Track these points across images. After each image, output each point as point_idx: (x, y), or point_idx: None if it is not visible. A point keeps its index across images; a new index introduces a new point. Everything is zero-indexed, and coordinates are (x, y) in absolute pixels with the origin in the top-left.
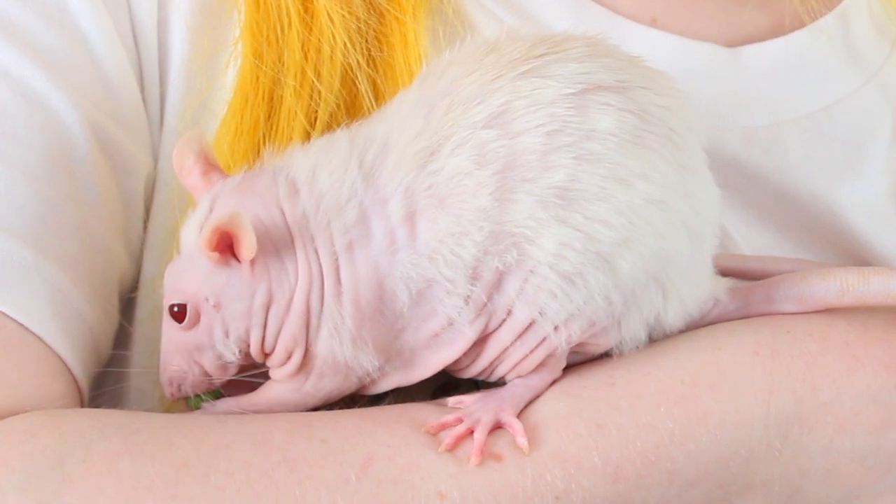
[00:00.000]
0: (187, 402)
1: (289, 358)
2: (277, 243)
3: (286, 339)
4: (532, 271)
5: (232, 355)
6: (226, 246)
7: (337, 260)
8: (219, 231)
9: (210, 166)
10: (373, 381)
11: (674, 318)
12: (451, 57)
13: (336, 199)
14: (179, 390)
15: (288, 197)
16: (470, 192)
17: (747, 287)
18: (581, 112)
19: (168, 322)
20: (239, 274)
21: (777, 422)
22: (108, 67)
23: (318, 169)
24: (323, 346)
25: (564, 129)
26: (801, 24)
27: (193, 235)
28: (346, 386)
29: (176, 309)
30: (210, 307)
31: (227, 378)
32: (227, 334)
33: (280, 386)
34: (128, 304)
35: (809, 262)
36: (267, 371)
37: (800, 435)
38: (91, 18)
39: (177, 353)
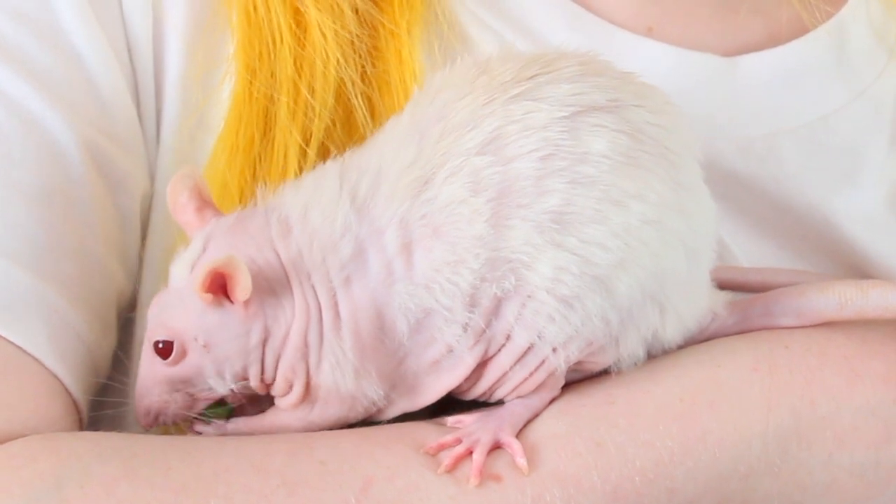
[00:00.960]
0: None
1: (290, 388)
2: (272, 282)
3: (285, 371)
4: (530, 296)
5: (225, 390)
6: (218, 287)
7: (335, 295)
8: (213, 273)
9: (204, 203)
10: (380, 410)
11: (672, 334)
12: (443, 80)
13: (330, 235)
14: (156, 420)
15: (281, 237)
16: (465, 219)
17: (746, 301)
18: (574, 135)
19: (149, 355)
20: (232, 314)
21: (776, 438)
22: (102, 85)
23: (309, 206)
24: (326, 379)
25: (558, 154)
26: (799, 34)
27: (184, 273)
28: (353, 415)
29: (161, 345)
30: (199, 346)
31: (214, 400)
32: (220, 374)
33: (285, 415)
34: (126, 322)
35: (808, 273)
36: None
37: (798, 450)
38: (85, 36)
39: (156, 385)
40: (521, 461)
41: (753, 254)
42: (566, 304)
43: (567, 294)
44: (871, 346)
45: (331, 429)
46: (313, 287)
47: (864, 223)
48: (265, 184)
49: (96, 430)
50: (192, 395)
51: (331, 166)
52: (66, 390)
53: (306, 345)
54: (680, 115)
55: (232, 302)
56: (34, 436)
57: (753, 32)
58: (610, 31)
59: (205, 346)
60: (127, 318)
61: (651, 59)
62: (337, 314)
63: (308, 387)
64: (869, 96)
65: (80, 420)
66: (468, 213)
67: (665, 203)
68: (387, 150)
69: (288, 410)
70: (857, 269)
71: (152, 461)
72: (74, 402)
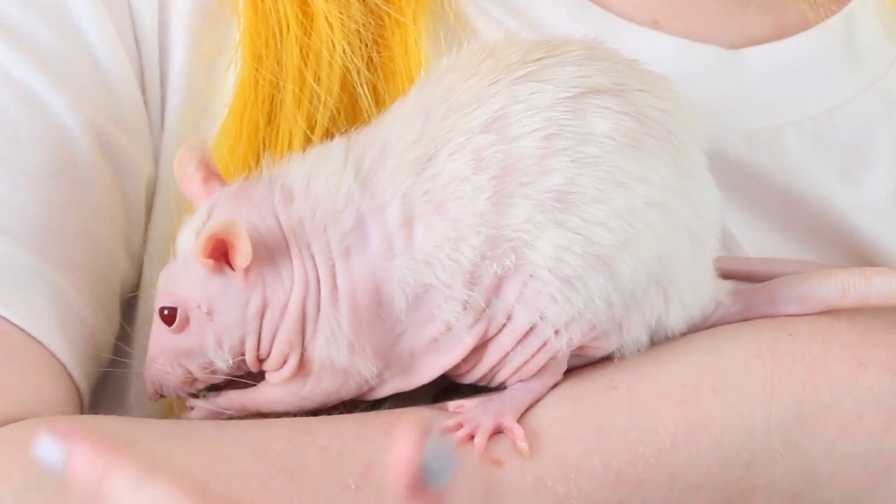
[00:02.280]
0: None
1: (284, 362)
2: (273, 251)
3: (281, 343)
4: (531, 275)
5: (224, 364)
6: (220, 254)
7: (333, 266)
8: (214, 239)
9: (211, 174)
10: (371, 388)
11: (675, 320)
12: (449, 63)
13: (332, 206)
14: (160, 392)
15: (283, 204)
16: (467, 197)
17: (749, 289)
18: (578, 116)
19: (157, 324)
20: (233, 282)
21: (779, 425)
22: (109, 70)
23: (313, 176)
24: (320, 351)
25: (561, 133)
26: (806, 26)
27: (189, 241)
28: (345, 391)
29: (166, 312)
30: (202, 314)
31: (212, 382)
32: (220, 344)
33: (277, 389)
34: (128, 306)
35: (814, 263)
36: (256, 376)
37: (801, 438)
38: (92, 21)
39: (162, 353)
40: (523, 445)
41: (760, 244)
42: (568, 283)
43: (569, 274)
44: (875, 334)
45: (322, 404)
46: (313, 257)
47: (873, 214)
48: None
49: (96, 413)
50: (191, 372)
51: (337, 142)
52: (69, 374)
53: (303, 316)
54: (684, 102)
55: (233, 269)
56: (34, 419)
57: (760, 26)
58: (616, 24)
59: (207, 314)
60: (129, 303)
61: (656, 51)
62: (335, 286)
63: (302, 360)
64: (877, 89)
65: (82, 404)
66: (470, 191)
67: (669, 187)
68: (392, 128)
69: (280, 385)
70: (866, 259)
71: (153, 447)
72: (76, 386)
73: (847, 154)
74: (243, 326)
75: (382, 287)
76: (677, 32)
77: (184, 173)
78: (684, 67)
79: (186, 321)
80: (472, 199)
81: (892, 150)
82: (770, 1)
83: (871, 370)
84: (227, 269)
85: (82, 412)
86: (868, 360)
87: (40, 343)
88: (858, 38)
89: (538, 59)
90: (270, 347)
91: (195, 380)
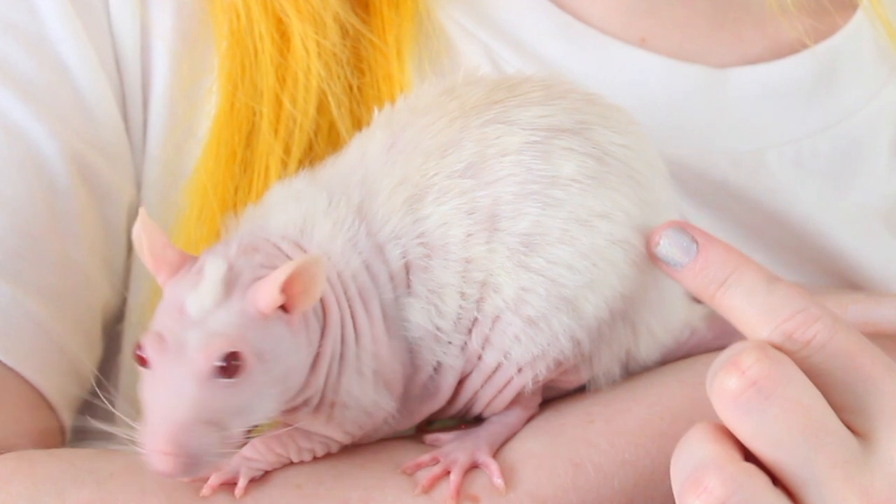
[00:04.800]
0: None
1: (309, 403)
2: None
3: (314, 387)
4: (497, 317)
5: (271, 413)
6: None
7: (351, 306)
8: (293, 276)
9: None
10: (377, 427)
11: (646, 351)
12: (411, 103)
13: (341, 248)
14: (193, 467)
15: (294, 252)
16: (458, 242)
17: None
18: (546, 159)
19: (198, 383)
20: (284, 326)
21: None
22: (89, 96)
23: (308, 220)
24: (346, 392)
25: (531, 178)
26: (796, 49)
27: (209, 299)
28: (367, 428)
29: (223, 363)
30: (261, 362)
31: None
32: (274, 393)
33: (302, 431)
34: (113, 335)
35: (802, 285)
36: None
37: None
38: (72, 47)
39: (203, 415)
40: (499, 481)
41: None
42: (531, 324)
43: (532, 315)
44: None
45: (346, 444)
46: (337, 300)
47: (858, 236)
48: (246, 195)
49: (83, 441)
50: (229, 435)
51: (302, 182)
52: (49, 404)
53: (332, 358)
54: (645, 135)
55: (288, 312)
56: (9, 454)
57: (750, 46)
58: (602, 42)
59: (265, 362)
60: (114, 331)
61: (641, 70)
62: (355, 326)
63: (333, 404)
64: (864, 115)
65: (63, 433)
66: (461, 236)
67: (633, 223)
68: (370, 166)
69: (307, 426)
70: (851, 282)
71: (127, 484)
72: (57, 416)
73: (830, 176)
74: (297, 372)
75: (390, 326)
76: (664, 51)
77: (153, 249)
78: (670, 87)
79: (244, 371)
80: (463, 244)
81: (881, 171)
82: (759, 22)
83: None
84: (279, 315)
85: (63, 441)
86: None
87: (18, 374)
88: (847, 63)
89: (501, 101)
90: (304, 392)
91: (230, 441)
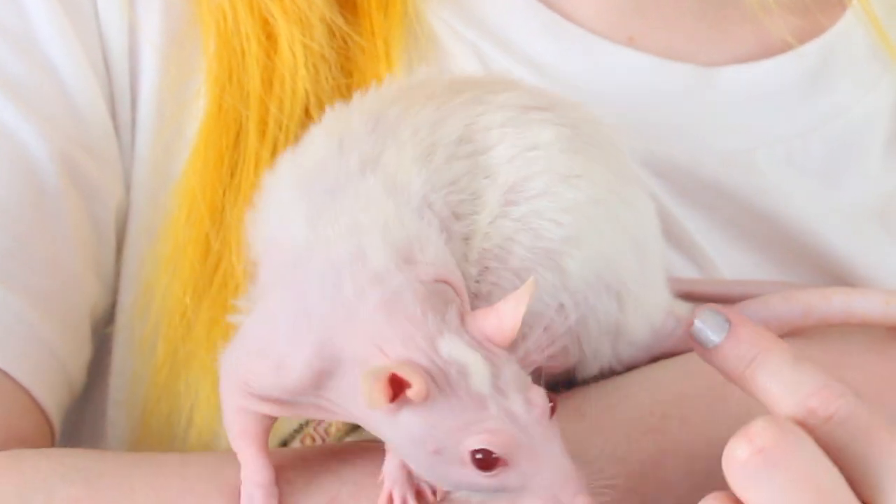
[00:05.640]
0: None
1: None
2: None
3: None
4: (486, 268)
5: None
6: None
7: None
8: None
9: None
10: None
11: (635, 324)
12: (364, 105)
13: (448, 256)
14: None
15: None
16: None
17: None
18: (525, 129)
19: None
20: None
21: None
22: (77, 97)
23: (416, 240)
24: None
25: (515, 143)
26: (785, 48)
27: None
28: None
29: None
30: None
31: None
32: None
33: None
34: (103, 336)
35: (793, 285)
36: None
37: None
38: (61, 48)
39: None
40: None
41: (736, 265)
42: (517, 277)
43: (517, 266)
44: (848, 357)
45: None
46: None
47: (850, 234)
48: (235, 198)
49: (73, 445)
50: None
51: (353, 183)
52: (38, 405)
53: None
54: (605, 122)
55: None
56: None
57: (739, 45)
58: (590, 42)
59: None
60: (104, 334)
61: (630, 69)
62: None
63: None
64: (856, 113)
65: (53, 435)
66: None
67: (609, 188)
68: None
69: None
70: (844, 281)
71: (117, 483)
72: (46, 418)
73: (822, 175)
74: None
75: None
76: (652, 50)
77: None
78: (659, 85)
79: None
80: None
81: (869, 170)
82: (748, 21)
83: None
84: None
85: (53, 443)
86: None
87: (8, 375)
88: (838, 61)
89: (467, 91)
90: None
91: None
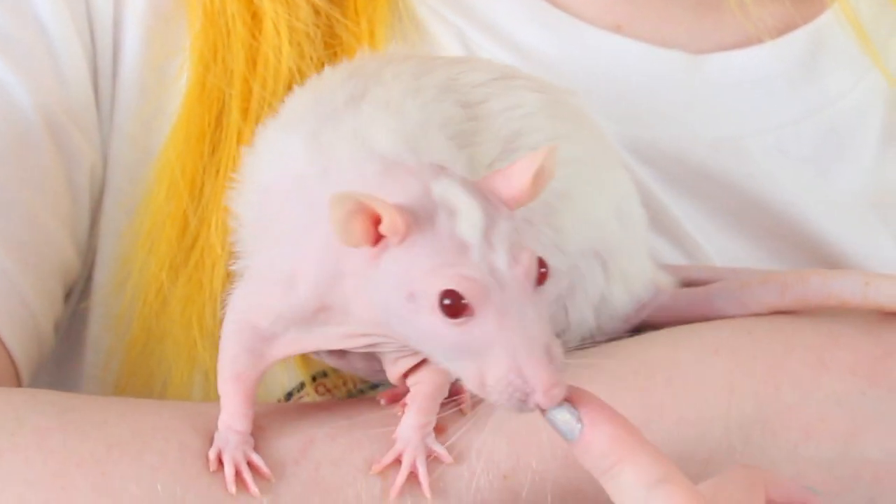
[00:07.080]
0: None
1: None
2: None
3: None
4: None
5: None
6: None
7: None
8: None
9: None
10: None
11: (619, 295)
12: (337, 69)
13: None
14: None
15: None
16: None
17: (690, 290)
18: (509, 90)
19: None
20: None
21: (738, 423)
22: (64, 61)
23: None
24: None
25: (502, 102)
26: (775, 35)
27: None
28: None
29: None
30: None
31: None
32: None
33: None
34: (78, 310)
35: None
36: None
37: (762, 439)
38: (51, 12)
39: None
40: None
41: (726, 251)
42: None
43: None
44: (838, 337)
45: None
46: None
47: (841, 221)
48: (214, 176)
49: None
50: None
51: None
52: (7, 351)
53: None
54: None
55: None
56: None
57: (728, 32)
58: (578, 28)
59: None
60: (79, 309)
61: (618, 55)
62: None
63: None
64: (849, 101)
65: (19, 382)
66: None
67: (592, 151)
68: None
69: None
70: (834, 265)
71: (89, 416)
72: (15, 366)
73: (814, 163)
74: None
75: None
76: (640, 37)
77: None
78: (647, 72)
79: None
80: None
81: (862, 159)
82: (738, 8)
83: (835, 372)
84: None
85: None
86: (831, 362)
87: None
88: (828, 49)
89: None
90: None
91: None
